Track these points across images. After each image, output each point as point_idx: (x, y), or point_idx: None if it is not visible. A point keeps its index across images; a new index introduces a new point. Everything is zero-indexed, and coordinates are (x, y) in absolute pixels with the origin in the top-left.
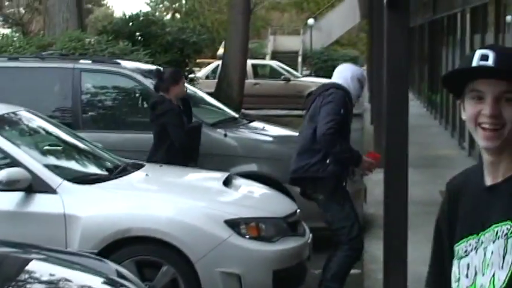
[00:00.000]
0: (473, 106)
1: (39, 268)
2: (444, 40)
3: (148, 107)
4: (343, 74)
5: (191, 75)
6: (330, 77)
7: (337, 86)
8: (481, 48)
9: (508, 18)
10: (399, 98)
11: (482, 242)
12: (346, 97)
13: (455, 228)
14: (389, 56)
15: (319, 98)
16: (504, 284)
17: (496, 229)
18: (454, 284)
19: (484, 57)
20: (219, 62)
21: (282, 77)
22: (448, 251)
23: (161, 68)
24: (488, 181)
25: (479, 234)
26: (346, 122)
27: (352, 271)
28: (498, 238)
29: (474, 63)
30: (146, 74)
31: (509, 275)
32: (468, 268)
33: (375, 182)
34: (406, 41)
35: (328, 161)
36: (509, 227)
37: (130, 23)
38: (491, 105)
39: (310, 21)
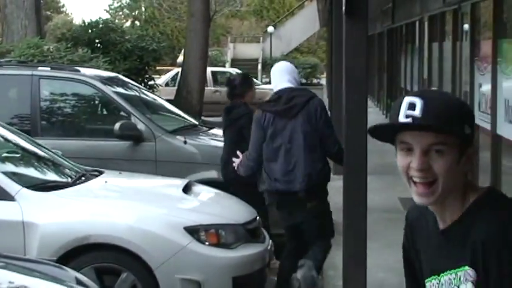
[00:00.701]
0: (403, 158)
1: None
2: (403, 48)
3: (223, 113)
4: (293, 76)
5: (151, 83)
6: None
7: (314, 95)
8: (410, 95)
9: (466, 26)
10: (358, 105)
11: (442, 284)
12: None
13: (420, 258)
14: (348, 64)
15: (307, 109)
16: None
17: (458, 274)
18: None
19: (412, 106)
20: (179, 70)
21: None
22: (422, 282)
23: (230, 76)
24: (441, 224)
25: (440, 276)
26: None
27: None
28: (466, 280)
29: (402, 112)
30: (105, 81)
31: None
32: None
33: (334, 189)
34: (364, 48)
35: (327, 166)
36: (470, 272)
37: (90, 30)
38: (418, 159)
39: (270, 29)
